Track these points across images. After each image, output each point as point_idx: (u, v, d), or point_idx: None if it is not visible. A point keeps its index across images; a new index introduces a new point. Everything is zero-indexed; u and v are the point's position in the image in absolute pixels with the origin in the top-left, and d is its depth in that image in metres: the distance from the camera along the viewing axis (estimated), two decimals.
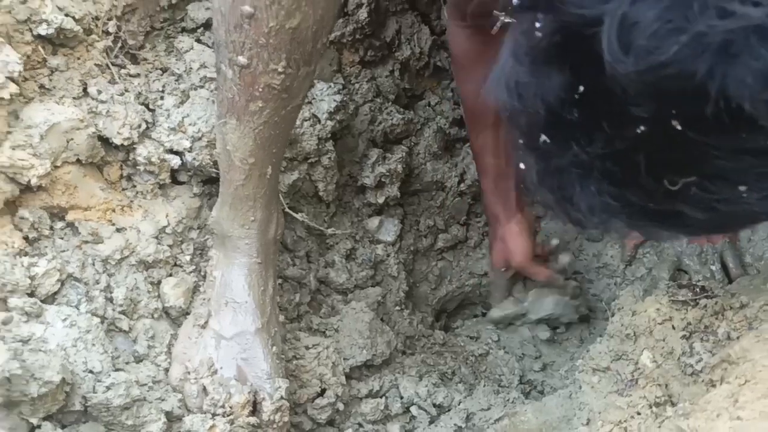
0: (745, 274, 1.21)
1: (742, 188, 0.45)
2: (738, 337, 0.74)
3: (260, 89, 0.84)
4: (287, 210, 1.14)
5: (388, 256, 1.34)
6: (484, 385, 1.17)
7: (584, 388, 0.93)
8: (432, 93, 1.44)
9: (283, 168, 1.14)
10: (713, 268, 1.26)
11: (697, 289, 0.89)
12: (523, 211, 1.29)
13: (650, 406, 0.76)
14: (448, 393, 1.14)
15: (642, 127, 0.44)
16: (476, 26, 1.14)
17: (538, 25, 0.47)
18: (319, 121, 1.22)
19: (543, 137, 0.49)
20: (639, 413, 0.76)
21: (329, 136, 1.23)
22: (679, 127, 0.43)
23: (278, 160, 0.96)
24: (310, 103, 1.21)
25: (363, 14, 1.29)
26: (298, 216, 1.17)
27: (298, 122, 1.15)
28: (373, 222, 1.34)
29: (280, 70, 0.82)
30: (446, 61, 1.41)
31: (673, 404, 0.75)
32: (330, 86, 1.24)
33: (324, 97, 1.22)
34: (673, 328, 0.87)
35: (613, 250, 1.41)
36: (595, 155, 0.47)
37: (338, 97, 1.23)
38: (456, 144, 1.45)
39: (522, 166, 0.54)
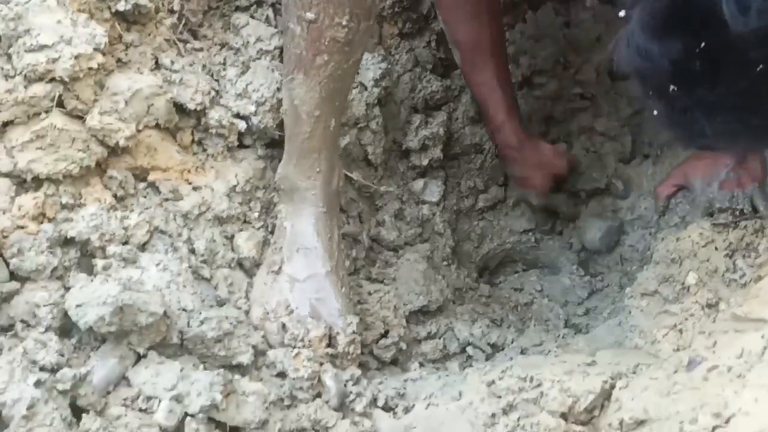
0: None
1: None
2: None
3: (326, 43, 0.93)
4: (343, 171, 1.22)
5: (434, 215, 1.41)
6: (534, 326, 1.25)
7: (634, 313, 1.00)
8: None
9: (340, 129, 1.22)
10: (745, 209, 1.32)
11: (737, 212, 0.96)
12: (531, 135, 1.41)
13: (703, 308, 0.83)
14: (501, 333, 1.21)
15: (761, 65, 0.56)
16: None
17: (656, 1, 0.59)
18: (366, 88, 1.30)
19: (671, 87, 0.61)
20: (692, 315, 0.83)
21: (376, 102, 1.31)
22: None
23: (340, 114, 1.05)
24: (357, 72, 1.29)
25: None
26: (353, 175, 1.25)
27: None
28: (418, 184, 1.41)
29: (343, 23, 0.92)
30: None
31: (725, 302, 0.82)
32: (374, 56, 1.32)
33: (369, 66, 1.31)
34: (716, 248, 0.94)
35: (647, 202, 1.48)
36: (719, 94, 0.59)
37: (383, 65, 1.31)
38: None
39: (654, 112, 0.66)
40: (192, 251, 1.05)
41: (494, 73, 1.32)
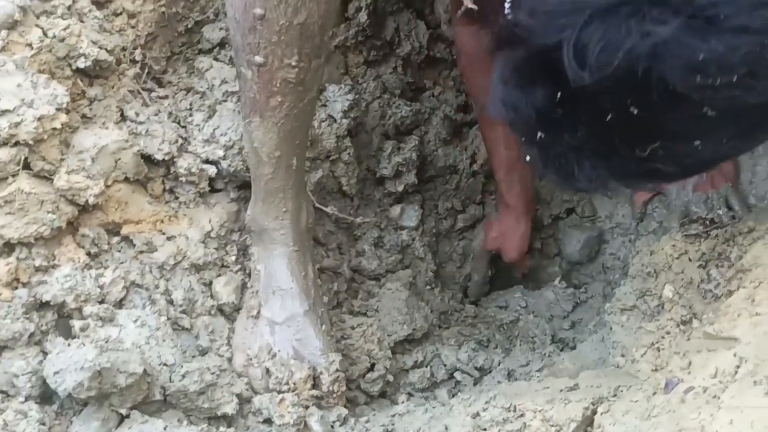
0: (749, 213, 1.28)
1: (697, 143, 0.60)
2: (747, 250, 0.81)
3: (278, 84, 0.94)
4: (317, 205, 1.22)
5: (414, 240, 1.42)
6: (520, 345, 1.25)
7: (615, 329, 1.01)
8: (435, 84, 1.53)
9: (308, 167, 1.23)
10: (720, 212, 1.32)
11: (707, 222, 0.97)
12: (531, 209, 1.42)
13: (678, 325, 0.84)
14: (488, 356, 1.22)
15: (610, 115, 0.59)
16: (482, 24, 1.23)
17: (514, 55, 0.63)
18: (335, 120, 1.30)
19: (539, 134, 0.64)
20: (668, 333, 0.84)
21: (346, 133, 1.31)
22: (636, 111, 0.57)
23: (302, 151, 1.05)
24: (324, 105, 1.29)
25: (363, 17, 1.37)
26: (328, 209, 1.25)
27: (316, 124, 1.24)
28: (396, 210, 1.42)
29: (293, 63, 0.92)
30: (445, 53, 1.49)
31: (698, 320, 0.83)
32: (341, 87, 1.33)
33: (337, 98, 1.31)
34: (690, 260, 0.95)
35: (624, 209, 1.49)
36: (582, 139, 0.62)
37: (350, 96, 1.31)
38: (463, 128, 1.53)
39: (528, 158, 0.69)
40: (170, 302, 1.05)
41: (503, 131, 1.33)
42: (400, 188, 1.42)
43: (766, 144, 1.34)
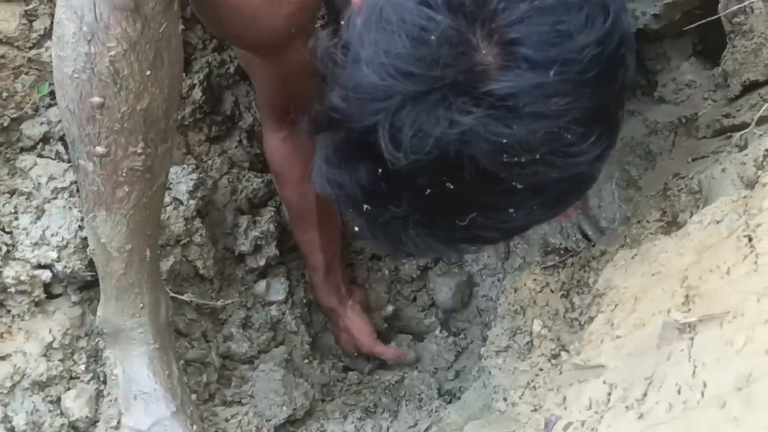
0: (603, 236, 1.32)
1: (511, 211, 0.64)
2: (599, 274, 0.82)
3: (124, 174, 0.87)
4: (173, 294, 1.14)
5: (284, 314, 1.36)
6: (407, 405, 1.21)
7: (493, 372, 0.99)
8: None
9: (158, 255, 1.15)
10: (576, 239, 1.37)
11: (562, 251, 0.98)
12: (354, 294, 1.41)
13: (549, 360, 0.83)
14: (375, 423, 1.17)
15: (428, 190, 0.62)
16: (292, 130, 1.24)
17: (333, 137, 0.65)
18: (182, 202, 1.23)
19: (365, 206, 0.66)
20: (541, 369, 0.83)
21: (195, 214, 1.25)
22: (452, 187, 0.61)
23: (154, 242, 0.98)
24: (169, 188, 1.23)
25: (198, 94, 1.33)
26: (185, 297, 1.17)
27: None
28: (261, 285, 1.36)
29: (139, 151, 0.86)
30: None
31: (567, 351, 0.82)
32: (183, 168, 1.27)
33: (181, 180, 1.25)
34: (552, 291, 0.95)
35: (489, 249, 1.50)
36: (405, 211, 0.65)
37: (194, 176, 1.25)
38: None
39: (356, 228, 0.72)
40: (11, 430, 0.93)
41: (318, 234, 1.34)
42: (262, 262, 1.36)
43: (607, 169, 1.43)
